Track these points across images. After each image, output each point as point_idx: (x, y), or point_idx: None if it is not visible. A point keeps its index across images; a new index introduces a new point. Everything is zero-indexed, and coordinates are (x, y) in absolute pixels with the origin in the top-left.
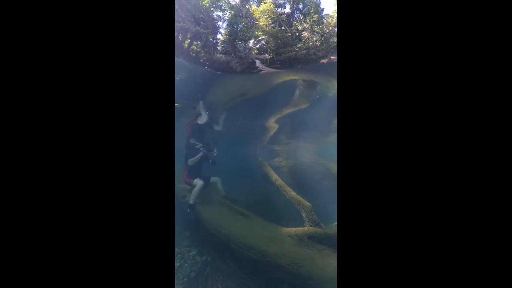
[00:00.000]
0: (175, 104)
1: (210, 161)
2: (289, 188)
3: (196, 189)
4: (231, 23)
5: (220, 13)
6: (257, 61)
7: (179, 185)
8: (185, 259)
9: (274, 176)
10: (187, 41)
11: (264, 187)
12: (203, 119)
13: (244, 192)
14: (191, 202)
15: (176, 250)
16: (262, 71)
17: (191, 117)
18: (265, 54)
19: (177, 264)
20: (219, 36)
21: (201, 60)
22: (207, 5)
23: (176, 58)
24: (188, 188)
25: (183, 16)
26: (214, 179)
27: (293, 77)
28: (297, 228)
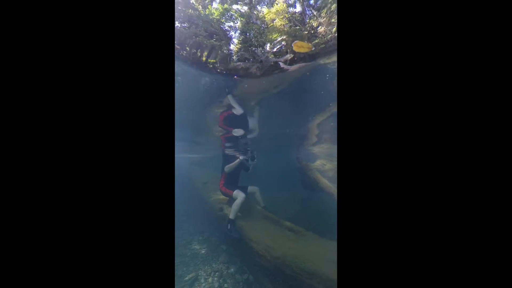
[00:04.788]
0: None
1: (250, 167)
2: None
3: (238, 202)
4: (244, 31)
5: (231, 23)
6: (281, 63)
7: (215, 196)
8: (224, 277)
9: (324, 182)
10: (205, 54)
11: (309, 195)
12: (238, 111)
13: (286, 201)
14: (231, 217)
15: (214, 266)
16: (289, 70)
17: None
18: (286, 55)
19: (215, 284)
20: (232, 46)
21: (218, 70)
22: (218, 17)
23: (195, 70)
24: (225, 200)
25: (196, 31)
26: (251, 188)
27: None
28: None
